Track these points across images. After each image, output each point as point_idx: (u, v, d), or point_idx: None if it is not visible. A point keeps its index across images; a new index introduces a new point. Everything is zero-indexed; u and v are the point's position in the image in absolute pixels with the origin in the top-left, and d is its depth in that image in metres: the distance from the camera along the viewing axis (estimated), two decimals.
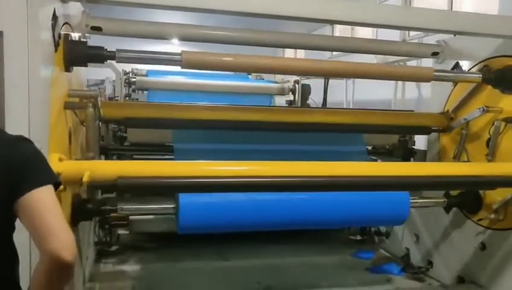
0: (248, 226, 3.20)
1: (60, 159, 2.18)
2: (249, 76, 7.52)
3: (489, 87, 3.27)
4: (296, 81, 6.60)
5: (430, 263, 3.85)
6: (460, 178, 2.87)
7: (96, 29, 3.14)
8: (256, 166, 2.56)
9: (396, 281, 3.82)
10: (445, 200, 3.40)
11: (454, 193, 3.45)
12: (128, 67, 6.84)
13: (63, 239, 1.30)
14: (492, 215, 3.16)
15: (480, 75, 3.25)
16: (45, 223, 1.30)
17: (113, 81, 7.81)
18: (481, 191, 3.29)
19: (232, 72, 7.67)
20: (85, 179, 2.20)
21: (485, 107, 3.22)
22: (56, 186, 1.43)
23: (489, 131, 3.24)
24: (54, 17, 2.14)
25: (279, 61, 3.07)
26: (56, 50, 2.19)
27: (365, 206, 3.24)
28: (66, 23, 2.45)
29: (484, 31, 2.95)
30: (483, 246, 3.31)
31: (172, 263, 4.00)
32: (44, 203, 1.32)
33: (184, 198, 2.92)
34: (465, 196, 3.39)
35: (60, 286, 1.37)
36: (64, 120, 2.49)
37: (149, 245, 4.49)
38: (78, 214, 2.63)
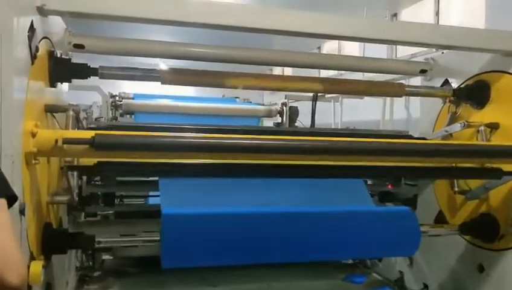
0: (241, 259, 2.97)
1: (36, 126, 2.11)
2: (237, 99, 7.51)
3: None
4: (284, 104, 6.56)
5: (426, 286, 3.72)
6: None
7: (79, 47, 3.07)
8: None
9: None
10: (459, 228, 3.24)
11: (466, 219, 3.28)
12: (115, 91, 6.84)
13: (8, 258, 1.14)
14: None
15: (451, 90, 3.36)
16: None
17: (101, 106, 7.76)
18: (495, 214, 3.09)
19: (220, 96, 7.69)
20: (60, 137, 2.10)
21: (465, 122, 3.20)
22: (10, 201, 1.28)
23: (476, 139, 3.20)
24: (31, 29, 2.06)
25: (256, 77, 3.08)
26: (33, 63, 2.11)
27: (373, 238, 3.07)
28: (45, 37, 2.38)
29: (473, 45, 2.93)
30: (480, 268, 3.19)
31: (157, 289, 3.84)
32: None
33: (168, 230, 2.71)
34: (478, 222, 3.19)
35: None
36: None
37: (133, 270, 4.32)
38: (49, 247, 2.37)
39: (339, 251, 3.13)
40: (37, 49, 2.16)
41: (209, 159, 2.52)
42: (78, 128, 2.75)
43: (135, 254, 4.05)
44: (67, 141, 2.12)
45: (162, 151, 2.31)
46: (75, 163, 2.66)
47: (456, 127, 3.28)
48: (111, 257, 4.39)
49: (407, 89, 3.48)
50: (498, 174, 2.94)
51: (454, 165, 3.16)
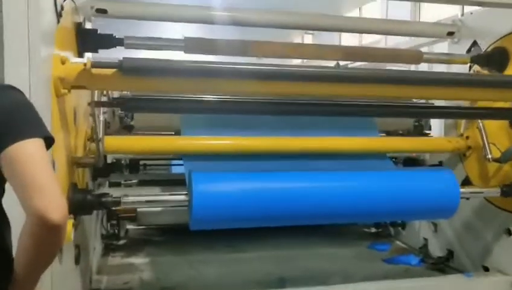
0: (273, 221, 2.82)
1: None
2: None
3: None
4: None
5: (451, 253, 3.68)
6: None
7: (102, 12, 3.06)
8: None
9: (415, 272, 3.65)
10: (499, 189, 3.07)
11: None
12: None
13: (50, 196, 1.14)
14: None
15: (469, 56, 3.32)
16: (29, 177, 1.14)
17: None
18: None
19: None
20: (88, 62, 2.14)
21: None
22: (48, 142, 1.27)
23: None
24: None
25: (277, 46, 3.08)
26: (58, 21, 2.10)
27: (411, 198, 2.89)
28: None
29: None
30: (508, 232, 3.14)
31: (181, 256, 3.87)
32: (31, 156, 1.17)
33: (199, 187, 2.57)
34: None
35: (50, 251, 1.22)
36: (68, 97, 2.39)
37: (158, 239, 4.38)
38: (74, 207, 2.35)
39: (379, 214, 2.99)
40: (62, 8, 2.15)
41: (233, 88, 2.51)
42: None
43: (160, 221, 4.07)
44: (95, 65, 2.12)
45: (189, 76, 2.28)
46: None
47: None
48: (135, 227, 4.45)
49: (425, 56, 3.36)
50: None
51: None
